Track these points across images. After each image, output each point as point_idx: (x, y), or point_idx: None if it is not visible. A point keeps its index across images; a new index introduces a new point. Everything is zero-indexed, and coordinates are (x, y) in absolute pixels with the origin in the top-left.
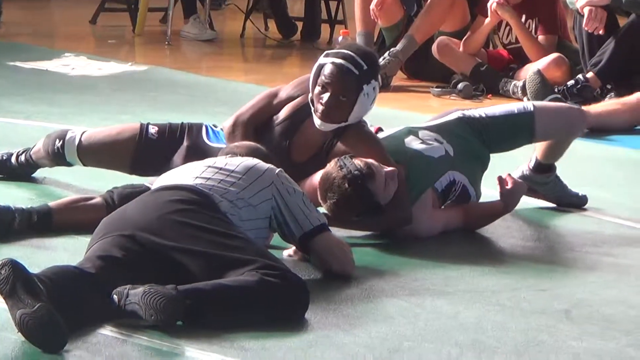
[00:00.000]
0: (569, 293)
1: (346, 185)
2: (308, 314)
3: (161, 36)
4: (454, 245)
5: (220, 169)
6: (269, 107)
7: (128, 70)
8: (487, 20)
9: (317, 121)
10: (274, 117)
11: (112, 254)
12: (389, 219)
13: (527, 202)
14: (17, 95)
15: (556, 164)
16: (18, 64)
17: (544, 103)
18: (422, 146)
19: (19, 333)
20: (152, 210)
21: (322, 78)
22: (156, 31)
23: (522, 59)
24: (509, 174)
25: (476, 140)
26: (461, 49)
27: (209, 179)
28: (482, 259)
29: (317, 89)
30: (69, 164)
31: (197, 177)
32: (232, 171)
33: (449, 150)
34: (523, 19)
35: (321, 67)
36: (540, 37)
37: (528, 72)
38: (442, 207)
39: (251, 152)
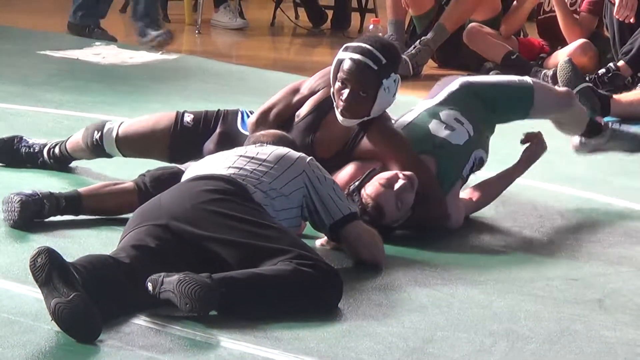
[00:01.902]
0: (602, 282)
1: None
2: (341, 304)
3: (191, 25)
4: (485, 235)
5: (252, 158)
6: (292, 103)
7: (159, 59)
8: None
9: (339, 117)
10: (297, 113)
11: (146, 244)
12: (425, 218)
13: (558, 193)
14: (47, 85)
15: (584, 153)
16: (48, 52)
17: (538, 80)
18: (447, 132)
19: (53, 322)
20: (187, 200)
21: (341, 74)
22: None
23: (553, 32)
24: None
25: (484, 108)
26: (502, 27)
27: (241, 168)
28: (513, 249)
29: (337, 84)
30: (109, 156)
31: (229, 167)
32: (264, 160)
33: (470, 131)
34: None
35: (340, 62)
36: (582, 14)
37: (557, 59)
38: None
39: (278, 140)
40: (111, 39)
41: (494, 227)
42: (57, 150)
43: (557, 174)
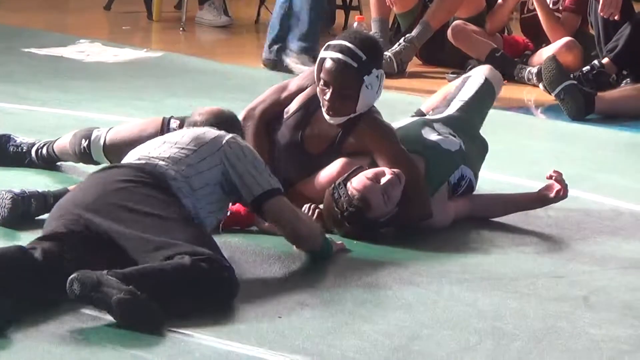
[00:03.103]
0: (587, 280)
1: (346, 223)
2: (326, 302)
3: (176, 22)
4: (470, 233)
5: (175, 142)
6: (280, 100)
7: (143, 56)
8: None
9: (325, 115)
10: (286, 110)
11: (61, 233)
12: (409, 216)
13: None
14: (32, 82)
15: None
16: (33, 50)
17: (481, 69)
18: (439, 137)
19: None
20: (98, 190)
21: (322, 74)
22: (171, 17)
23: (537, 31)
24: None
25: (477, 130)
26: (487, 26)
27: (161, 153)
28: (499, 247)
29: (320, 83)
30: (97, 163)
31: (150, 152)
32: (179, 142)
33: (462, 145)
34: None
35: (322, 61)
36: (564, 14)
37: (541, 57)
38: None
39: (213, 117)
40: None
41: (479, 225)
42: (44, 151)
43: (543, 172)
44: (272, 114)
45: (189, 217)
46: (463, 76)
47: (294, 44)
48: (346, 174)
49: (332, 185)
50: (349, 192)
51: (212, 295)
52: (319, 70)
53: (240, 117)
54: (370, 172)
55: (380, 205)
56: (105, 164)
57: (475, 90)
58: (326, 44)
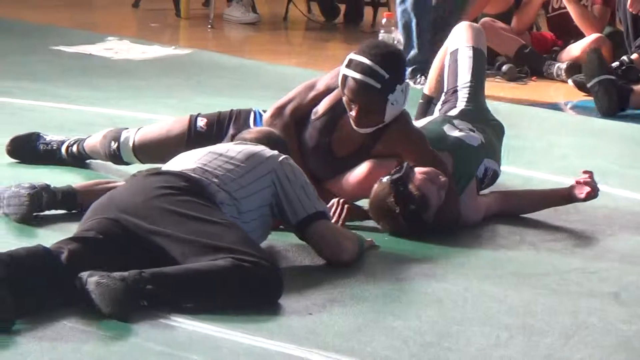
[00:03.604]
0: (618, 276)
1: (401, 220)
2: (357, 299)
3: (204, 19)
4: (499, 229)
5: (221, 154)
6: (308, 99)
7: (171, 53)
8: None
9: (353, 125)
10: (313, 111)
11: (91, 236)
12: (442, 217)
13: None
14: (60, 80)
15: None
16: (62, 48)
17: (460, 38)
18: (462, 134)
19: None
20: (139, 195)
21: (346, 92)
22: (198, 14)
23: (565, 28)
24: (590, 176)
25: (489, 112)
26: (514, 23)
27: (206, 164)
28: (528, 243)
29: (345, 98)
30: (127, 164)
31: (196, 162)
32: (233, 157)
33: (482, 139)
34: None
35: (345, 78)
36: (595, 7)
37: (570, 53)
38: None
39: (263, 137)
40: None
41: (508, 222)
42: (74, 148)
43: (571, 167)
44: (301, 113)
45: (233, 221)
46: (449, 51)
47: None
48: (398, 172)
49: (389, 181)
50: (412, 190)
51: (257, 295)
52: (342, 86)
53: (267, 114)
54: (427, 173)
55: (436, 205)
56: (136, 163)
57: (471, 68)
58: (348, 58)
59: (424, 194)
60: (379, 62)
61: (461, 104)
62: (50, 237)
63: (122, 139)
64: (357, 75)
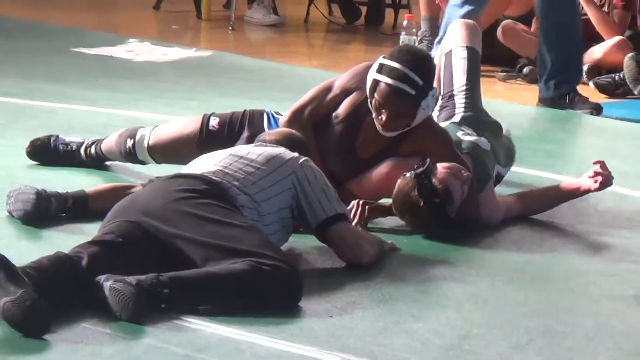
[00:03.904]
0: (639, 278)
1: (426, 214)
2: (377, 301)
3: (225, 21)
4: (520, 231)
5: (241, 157)
6: (326, 102)
7: (192, 55)
8: None
9: (379, 128)
10: (334, 115)
11: (110, 239)
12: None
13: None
14: (81, 82)
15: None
16: (82, 50)
17: (455, 37)
18: (474, 138)
19: (4, 321)
20: (159, 198)
21: (377, 98)
22: (219, 16)
23: (586, 33)
24: (603, 164)
25: (485, 113)
26: (532, 27)
27: (226, 167)
28: (549, 245)
29: (374, 103)
30: (143, 163)
31: (216, 165)
32: (253, 160)
33: (489, 144)
34: None
35: (376, 83)
36: (615, 12)
37: (592, 55)
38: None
39: (283, 139)
40: (595, 107)
41: (529, 224)
42: (92, 150)
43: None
44: (319, 115)
45: (253, 224)
46: (444, 53)
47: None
48: (422, 167)
49: (412, 175)
50: (435, 184)
51: (277, 298)
52: (372, 90)
53: (284, 118)
54: (451, 168)
55: (459, 200)
56: (151, 163)
57: (465, 71)
58: (379, 63)
59: (447, 187)
60: (413, 68)
61: (459, 110)
62: (58, 238)
63: (137, 137)
64: (391, 82)
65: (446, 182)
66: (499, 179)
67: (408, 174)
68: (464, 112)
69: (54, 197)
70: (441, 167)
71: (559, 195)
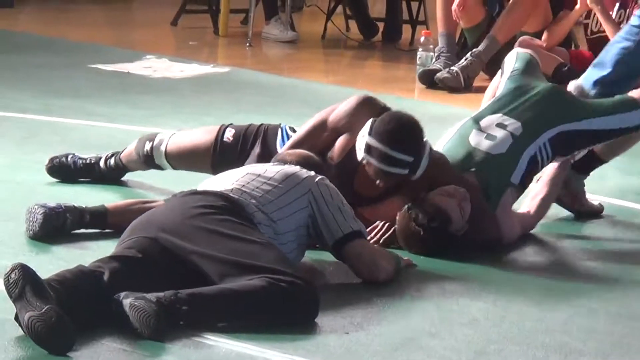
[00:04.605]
0: None
1: (429, 240)
2: (393, 317)
3: (242, 38)
4: (536, 248)
5: (259, 175)
6: (320, 141)
7: (210, 71)
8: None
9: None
10: (328, 155)
11: (131, 255)
12: (479, 232)
13: (612, 204)
14: (99, 98)
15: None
16: (100, 66)
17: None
18: (488, 143)
19: (28, 336)
20: (178, 214)
21: (369, 171)
22: (237, 33)
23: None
24: None
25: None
26: (544, 38)
27: (244, 185)
28: (566, 262)
29: (368, 169)
30: (160, 167)
31: (234, 183)
32: (270, 178)
33: (514, 132)
34: (616, 8)
35: (365, 160)
36: None
37: None
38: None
39: (301, 160)
40: None
41: (545, 240)
42: (112, 161)
43: (609, 185)
44: (315, 152)
45: (270, 241)
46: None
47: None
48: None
49: (406, 207)
50: (428, 209)
51: (294, 315)
52: (363, 162)
53: (282, 151)
54: (442, 190)
55: (458, 218)
56: (168, 168)
57: (519, 65)
58: (365, 143)
59: (440, 208)
60: (401, 149)
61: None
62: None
63: (156, 141)
64: (380, 165)
65: (438, 204)
66: (562, 140)
67: (403, 209)
68: (506, 85)
69: (70, 212)
70: (436, 192)
71: (555, 191)
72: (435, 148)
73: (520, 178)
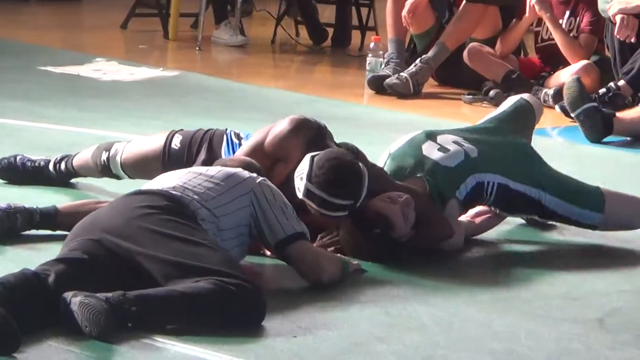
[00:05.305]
0: (602, 302)
1: (374, 247)
2: (342, 322)
3: (192, 42)
4: (485, 253)
5: (201, 173)
6: (260, 163)
7: (159, 75)
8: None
9: None
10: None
11: (76, 257)
12: (430, 237)
13: None
14: (48, 100)
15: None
16: (49, 68)
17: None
18: (440, 154)
19: None
20: (121, 215)
21: (310, 209)
22: (186, 36)
23: (554, 57)
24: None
25: (507, 137)
26: (497, 46)
27: (186, 182)
28: (513, 268)
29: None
30: (117, 177)
31: (176, 181)
32: (212, 176)
33: (470, 153)
34: (566, 16)
35: (305, 203)
36: (581, 36)
37: (558, 79)
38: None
39: (243, 165)
40: None
41: (494, 246)
42: (62, 166)
43: None
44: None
45: (216, 242)
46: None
47: None
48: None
49: (347, 220)
50: (370, 215)
51: (241, 317)
52: (304, 201)
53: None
54: (384, 196)
55: (401, 224)
56: (125, 178)
57: (511, 106)
58: (305, 188)
59: (380, 214)
60: (340, 197)
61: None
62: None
63: (112, 151)
64: (320, 210)
65: (379, 210)
66: (504, 189)
67: (344, 225)
68: (484, 122)
69: (20, 212)
70: (378, 198)
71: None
72: (384, 153)
73: (464, 197)
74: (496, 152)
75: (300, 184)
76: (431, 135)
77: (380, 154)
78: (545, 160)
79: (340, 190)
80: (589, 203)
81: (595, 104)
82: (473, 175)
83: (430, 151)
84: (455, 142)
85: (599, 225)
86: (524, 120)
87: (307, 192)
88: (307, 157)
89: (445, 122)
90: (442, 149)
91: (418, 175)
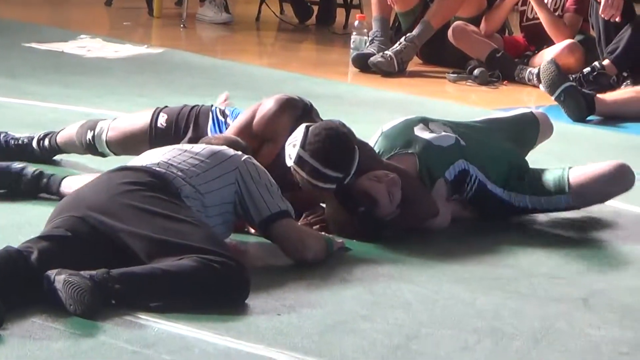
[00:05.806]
0: (587, 282)
1: (358, 224)
2: (325, 300)
3: (176, 19)
4: (470, 232)
5: (186, 150)
6: (249, 141)
7: (144, 52)
8: None
9: None
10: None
11: (59, 234)
12: (414, 215)
13: None
14: (32, 77)
15: (571, 151)
16: (34, 45)
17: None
18: (431, 135)
19: None
20: (104, 191)
21: (299, 180)
22: (171, 14)
23: (539, 36)
24: None
25: (496, 142)
26: (482, 25)
27: (171, 158)
28: (498, 247)
29: (297, 179)
30: (102, 155)
31: (160, 157)
32: (197, 153)
33: (460, 139)
34: None
35: (294, 170)
36: (566, 15)
37: (543, 58)
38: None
39: (228, 143)
40: None
41: (479, 225)
42: (46, 142)
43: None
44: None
45: (200, 219)
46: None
47: None
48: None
49: (333, 196)
50: (356, 194)
51: (224, 295)
52: (292, 172)
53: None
54: (371, 174)
55: (387, 203)
56: (111, 155)
57: (514, 114)
58: (297, 155)
59: (366, 192)
60: (333, 167)
61: (473, 121)
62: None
63: (97, 129)
64: (308, 178)
65: (364, 188)
66: (482, 188)
67: (330, 200)
68: (475, 121)
69: (26, 172)
70: (365, 176)
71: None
72: (376, 132)
73: (452, 179)
74: (483, 151)
75: (292, 150)
76: (424, 120)
77: (365, 132)
78: (531, 171)
79: (334, 162)
80: (555, 188)
81: (573, 83)
82: (462, 159)
83: (422, 132)
84: (446, 130)
85: (572, 205)
86: (523, 131)
87: (299, 159)
88: (302, 126)
89: (430, 101)
90: (433, 132)
91: (410, 151)
